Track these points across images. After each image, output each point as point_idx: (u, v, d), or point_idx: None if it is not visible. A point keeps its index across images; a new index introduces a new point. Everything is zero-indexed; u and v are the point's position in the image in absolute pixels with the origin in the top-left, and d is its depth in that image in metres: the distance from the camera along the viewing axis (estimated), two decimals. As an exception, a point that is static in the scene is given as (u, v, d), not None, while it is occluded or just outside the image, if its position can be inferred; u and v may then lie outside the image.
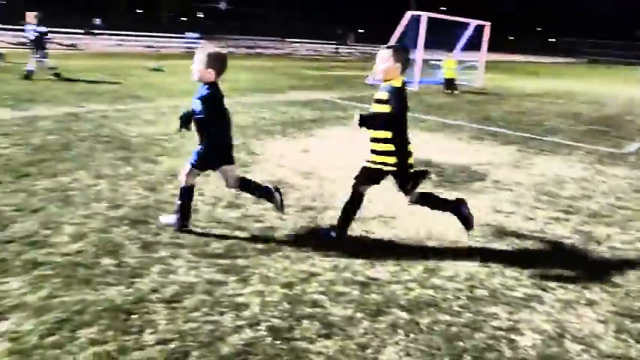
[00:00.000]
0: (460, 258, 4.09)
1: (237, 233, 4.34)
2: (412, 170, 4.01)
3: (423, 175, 4.12)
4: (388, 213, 5.07)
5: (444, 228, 4.64)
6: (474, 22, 21.01)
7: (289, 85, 16.60)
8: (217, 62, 3.94)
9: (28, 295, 3.18)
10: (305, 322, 3.08)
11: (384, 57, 3.87)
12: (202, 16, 47.21)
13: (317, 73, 22.44)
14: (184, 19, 51.16)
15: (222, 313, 3.11)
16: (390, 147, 3.90)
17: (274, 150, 7.40)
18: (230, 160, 4.24)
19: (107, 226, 4.28)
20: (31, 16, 13.04)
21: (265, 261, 3.85)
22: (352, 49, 44.82)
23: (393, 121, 3.83)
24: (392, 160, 3.92)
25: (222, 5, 39.04)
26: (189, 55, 29.35)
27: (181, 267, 3.67)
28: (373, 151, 4.03)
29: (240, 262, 3.81)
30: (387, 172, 4.04)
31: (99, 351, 2.68)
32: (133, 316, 3.02)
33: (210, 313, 3.11)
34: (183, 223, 4.25)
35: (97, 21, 40.27)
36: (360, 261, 3.94)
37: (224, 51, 4.06)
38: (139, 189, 5.26)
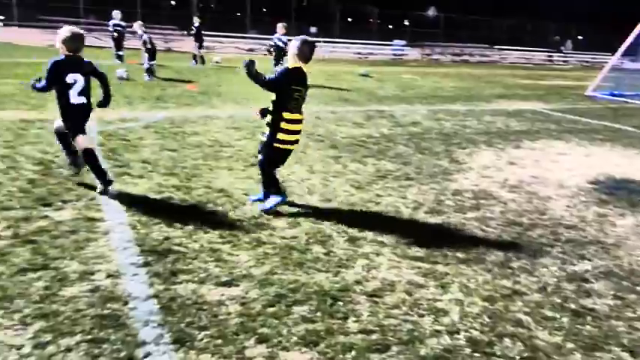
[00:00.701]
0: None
1: (438, 239, 4.34)
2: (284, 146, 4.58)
3: None
4: (608, 240, 4.56)
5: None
6: None
7: (496, 94, 15.89)
8: (67, 41, 4.74)
9: (253, 268, 3.64)
10: (507, 340, 2.96)
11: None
12: (408, 23, 47.84)
13: (527, 82, 21.03)
14: (391, 26, 52.49)
15: (421, 315, 3.16)
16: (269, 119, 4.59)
17: (479, 160, 7.18)
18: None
19: (318, 217, 4.66)
20: (280, 26, 14.64)
21: (466, 271, 3.79)
22: (568, 58, 40.93)
23: (264, 84, 4.48)
24: (267, 130, 4.61)
25: (431, 12, 39.03)
26: (395, 62, 30.01)
27: (383, 264, 3.82)
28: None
29: (440, 268, 3.81)
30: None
31: (309, 328, 2.95)
32: (338, 303, 3.25)
33: (410, 313, 3.19)
34: (72, 159, 5.23)
35: (313, 29, 43.71)
36: (571, 287, 3.63)
37: (76, 32, 4.84)
38: (347, 186, 5.60)
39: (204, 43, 20.50)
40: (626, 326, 3.16)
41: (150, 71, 13.66)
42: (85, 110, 4.97)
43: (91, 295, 3.16)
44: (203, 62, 19.23)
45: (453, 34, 43.86)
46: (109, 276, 3.41)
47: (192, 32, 19.58)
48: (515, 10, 49.01)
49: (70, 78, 4.76)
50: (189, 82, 13.67)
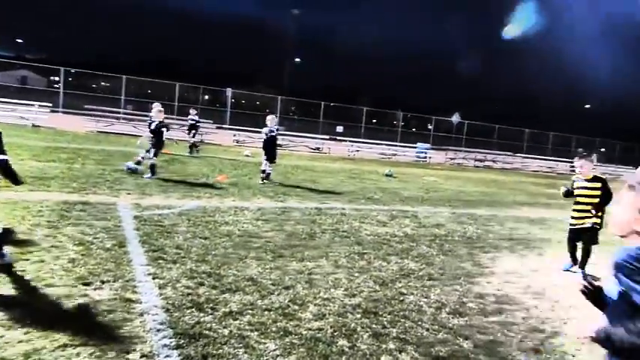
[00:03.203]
0: None
1: (460, 341, 4.41)
2: None
3: None
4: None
5: None
6: None
7: (519, 201, 16.13)
8: None
9: (280, 357, 3.76)
10: None
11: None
12: (431, 127, 49.53)
13: (550, 191, 21.28)
14: (414, 129, 54.43)
15: (444, 416, 3.21)
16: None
17: (502, 265, 7.28)
18: None
19: (344, 311, 4.80)
20: (269, 118, 13.85)
21: (489, 375, 3.83)
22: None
23: None
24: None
25: (455, 118, 40.51)
26: (419, 164, 30.70)
27: (406, 362, 3.89)
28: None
29: (463, 370, 3.87)
30: None
31: (334, 420, 3.02)
32: (362, 397, 3.32)
33: (433, 412, 3.23)
34: None
35: (339, 128, 45.53)
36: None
37: None
38: (371, 282, 5.75)
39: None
40: None
41: (151, 166, 12.01)
42: None
43: (126, 373, 3.31)
44: (197, 150, 19.91)
45: (475, 139, 45.13)
46: (143, 356, 3.57)
47: (191, 124, 20.67)
48: (537, 121, 50.64)
49: None
50: (220, 173, 14.31)
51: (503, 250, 8.33)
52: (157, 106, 12.92)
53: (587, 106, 62.47)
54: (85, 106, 30.57)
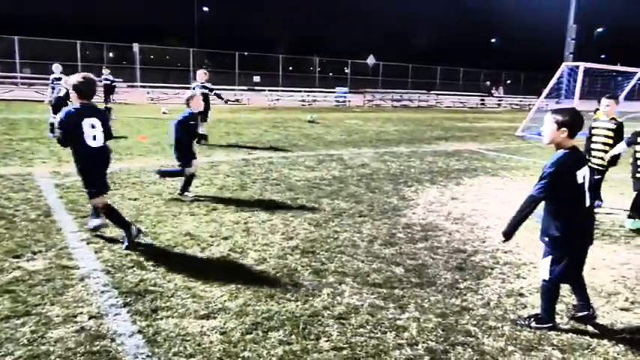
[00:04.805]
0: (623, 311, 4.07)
1: (393, 267, 4.79)
2: None
3: None
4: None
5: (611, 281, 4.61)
6: None
7: (435, 136, 16.96)
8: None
9: (228, 302, 3.94)
10: (459, 348, 3.40)
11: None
12: (348, 71, 49.90)
13: (463, 125, 22.49)
14: (331, 74, 54.64)
15: (384, 332, 3.56)
16: None
17: (424, 196, 7.79)
18: None
19: (283, 253, 5.02)
20: (200, 73, 13.17)
21: (420, 293, 4.24)
22: (499, 101, 43.79)
23: None
24: None
25: (370, 61, 41.05)
26: (339, 108, 31.04)
27: (346, 291, 4.21)
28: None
29: (397, 292, 4.25)
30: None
31: (286, 349, 3.28)
32: (310, 327, 3.59)
33: (374, 331, 3.58)
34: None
35: (256, 78, 44.79)
36: (510, 301, 4.15)
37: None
38: (306, 225, 6.00)
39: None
40: (555, 330, 3.68)
41: (52, 127, 11.64)
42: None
43: (77, 335, 3.36)
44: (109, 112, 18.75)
45: (391, 80, 46.19)
46: (91, 317, 3.61)
47: (105, 84, 19.18)
48: (448, 58, 52.52)
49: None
50: (139, 133, 13.83)
51: (425, 182, 8.87)
52: (57, 67, 13.43)
53: (493, 40, 65.24)
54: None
